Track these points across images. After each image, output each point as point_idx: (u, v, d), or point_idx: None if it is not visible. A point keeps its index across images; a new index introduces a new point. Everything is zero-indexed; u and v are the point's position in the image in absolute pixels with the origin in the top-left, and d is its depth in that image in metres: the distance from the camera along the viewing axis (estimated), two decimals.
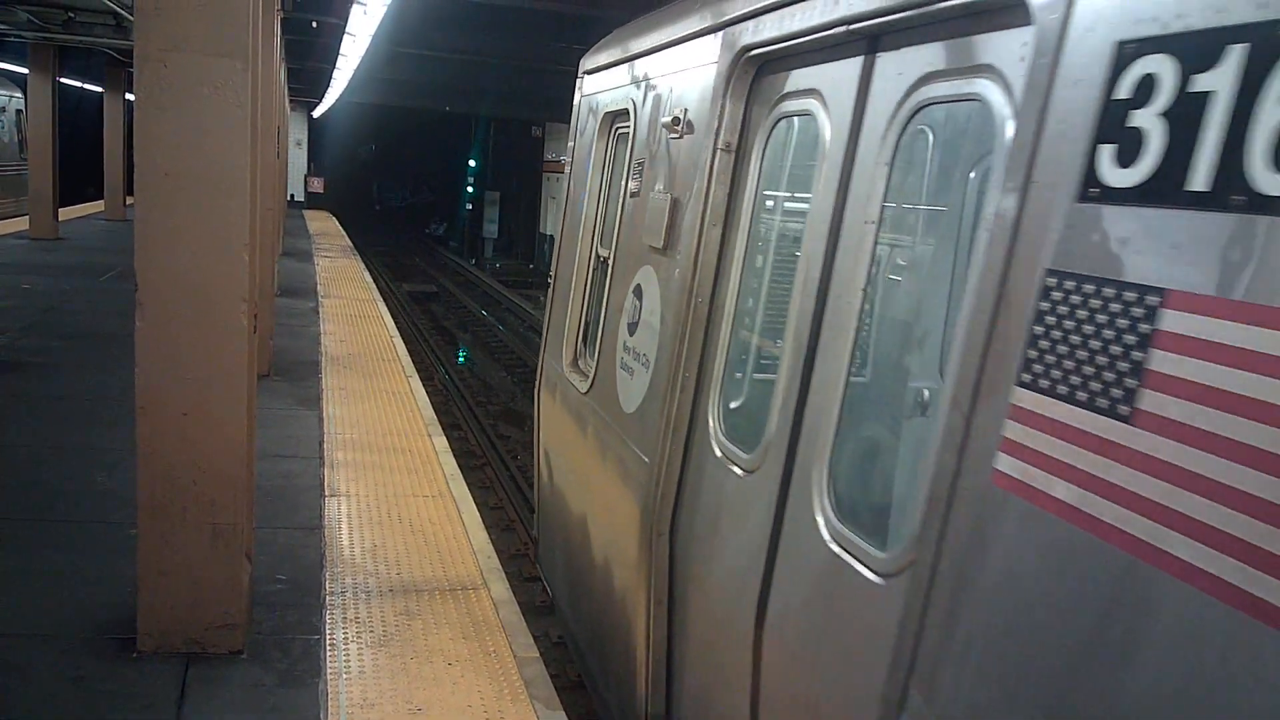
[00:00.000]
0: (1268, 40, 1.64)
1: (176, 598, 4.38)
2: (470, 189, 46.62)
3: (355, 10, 13.55)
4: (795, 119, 3.50)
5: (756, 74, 3.68)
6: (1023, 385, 2.04)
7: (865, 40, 2.96)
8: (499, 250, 41.07)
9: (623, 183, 4.90)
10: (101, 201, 25.06)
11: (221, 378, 4.27)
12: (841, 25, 2.94)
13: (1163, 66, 1.83)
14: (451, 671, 4.53)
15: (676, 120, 4.11)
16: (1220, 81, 1.71)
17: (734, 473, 3.45)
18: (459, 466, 7.60)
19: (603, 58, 5.61)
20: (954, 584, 2.20)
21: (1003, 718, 2.05)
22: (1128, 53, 1.90)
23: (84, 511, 5.97)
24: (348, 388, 9.68)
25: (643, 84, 4.80)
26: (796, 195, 3.59)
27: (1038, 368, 2.01)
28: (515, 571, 5.94)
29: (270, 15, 10.06)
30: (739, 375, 3.92)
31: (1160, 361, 1.77)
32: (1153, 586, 1.71)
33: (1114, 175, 1.90)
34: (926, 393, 3.22)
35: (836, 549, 2.77)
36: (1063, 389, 1.95)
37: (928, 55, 2.69)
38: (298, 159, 37.90)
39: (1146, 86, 1.86)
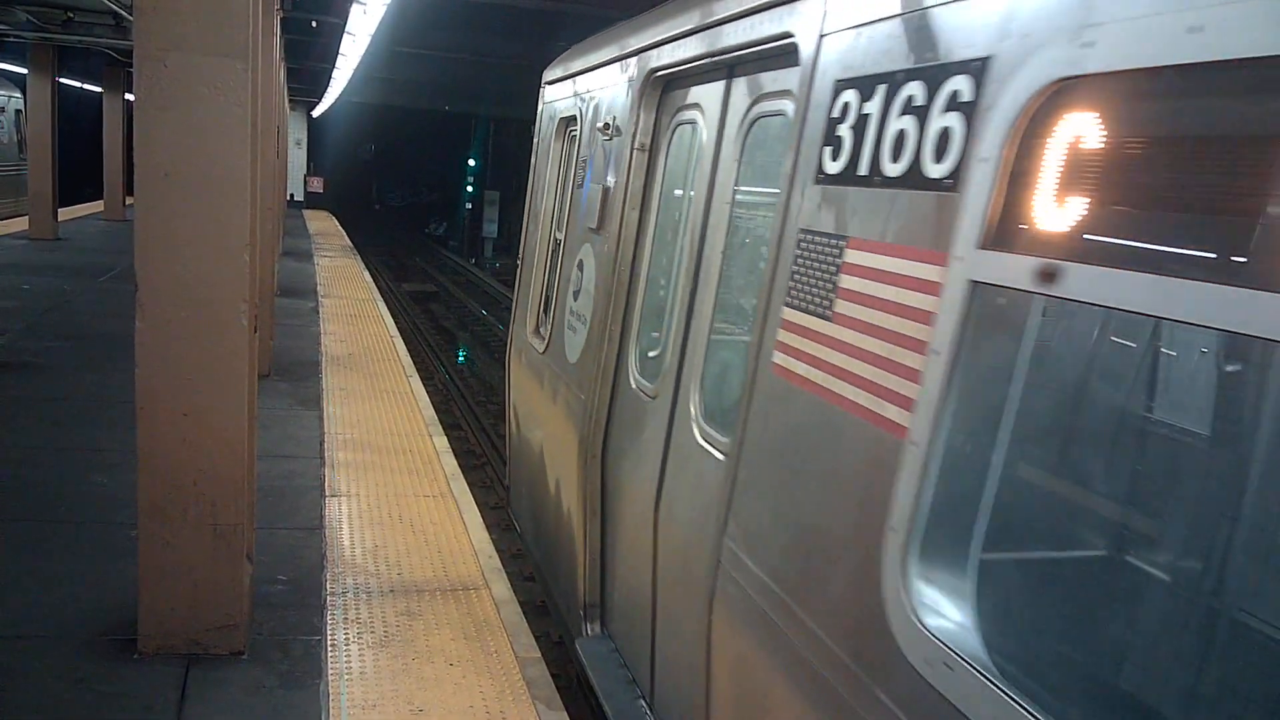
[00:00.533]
0: (894, 81, 2.61)
1: (177, 599, 4.37)
2: (470, 188, 46.63)
3: (355, 10, 13.54)
4: (687, 126, 4.40)
5: (663, 90, 4.62)
6: (786, 305, 3.01)
7: (726, 68, 3.95)
8: (499, 250, 41.05)
9: (571, 176, 5.85)
10: (101, 202, 25.06)
11: (222, 378, 4.26)
12: (709, 57, 3.93)
13: (852, 97, 2.80)
14: (453, 672, 4.52)
15: (607, 125, 5.08)
16: (874, 107, 2.68)
17: (643, 400, 4.40)
18: (459, 466, 7.60)
19: (559, 71, 6.60)
20: (751, 450, 3.18)
21: (771, 538, 3.03)
22: (838, 88, 2.88)
23: (84, 513, 5.96)
24: (348, 388, 9.68)
25: (585, 96, 5.75)
26: (688, 185, 4.42)
27: (794, 292, 2.98)
28: (516, 571, 5.93)
29: (270, 15, 10.05)
30: (650, 327, 4.63)
31: (845, 281, 2.72)
32: (842, 421, 2.68)
33: (830, 166, 2.88)
34: None
35: (702, 443, 3.75)
36: (803, 304, 2.92)
37: (760, 81, 3.68)
38: (297, 159, 37.88)
39: (844, 109, 2.83)
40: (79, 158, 24.51)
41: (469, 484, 7.24)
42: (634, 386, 4.54)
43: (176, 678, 4.24)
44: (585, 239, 5.30)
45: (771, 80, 3.54)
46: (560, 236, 5.92)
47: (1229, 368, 2.76)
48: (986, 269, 2.19)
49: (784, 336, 3.00)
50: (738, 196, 3.80)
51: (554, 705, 4.37)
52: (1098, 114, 1.99)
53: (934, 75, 2.45)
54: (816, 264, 2.86)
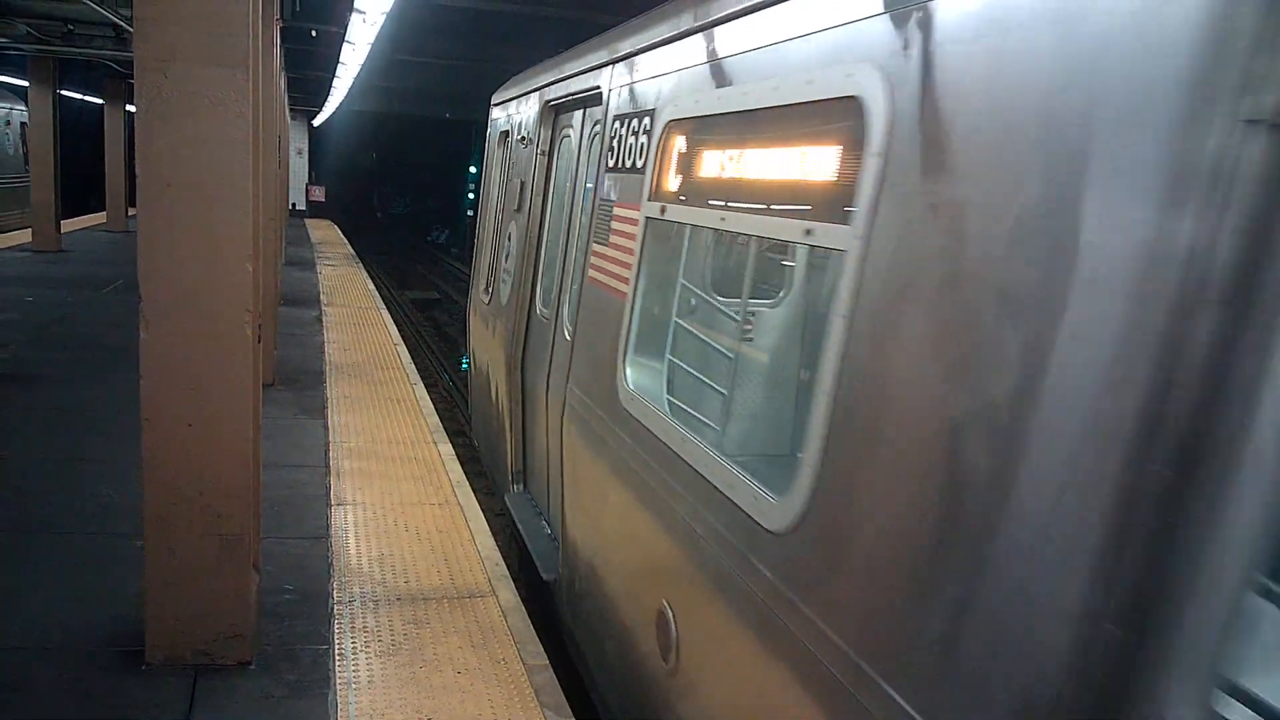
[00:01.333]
0: (629, 117, 4.82)
1: (184, 609, 4.36)
2: (471, 195, 46.65)
3: (355, 18, 13.55)
4: (565, 138, 6.58)
5: (555, 114, 6.82)
6: (594, 242, 5.11)
7: (580, 103, 6.12)
8: None
9: (507, 175, 8.12)
10: (104, 213, 25.10)
11: (226, 388, 4.26)
12: (570, 95, 6.17)
13: (619, 125, 4.96)
14: (461, 680, 4.51)
15: (524, 138, 7.47)
16: (625, 130, 4.83)
17: (542, 322, 6.38)
18: (465, 473, 7.59)
19: (499, 97, 9.20)
20: (580, 328, 5.22)
21: (585, 373, 5.07)
22: (617, 119, 5.04)
23: (90, 524, 5.96)
24: (352, 396, 9.68)
25: (513, 116, 8.08)
26: (566, 176, 6.52)
27: (597, 234, 5.06)
28: (523, 579, 5.93)
29: (270, 24, 10.06)
30: (546, 274, 6.67)
31: (614, 224, 4.79)
32: (609, 297, 4.70)
33: (610, 162, 5.04)
34: None
35: (565, 333, 5.57)
36: (600, 239, 5.00)
37: (592, 113, 5.85)
38: (299, 168, 37.91)
39: (619, 130, 4.96)
40: (86, 169, 24.48)
41: (474, 491, 7.23)
42: (539, 314, 6.60)
43: (184, 688, 4.23)
44: (511, 218, 7.60)
45: (596, 113, 5.68)
46: (499, 219, 8.21)
47: (735, 251, 4.69)
48: (649, 210, 4.38)
49: (592, 259, 5.13)
50: (586, 182, 5.73)
51: (562, 713, 4.36)
52: (683, 136, 4.29)
53: (639, 116, 4.66)
54: (605, 216, 5.00)
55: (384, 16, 13.30)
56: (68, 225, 21.61)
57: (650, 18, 4.93)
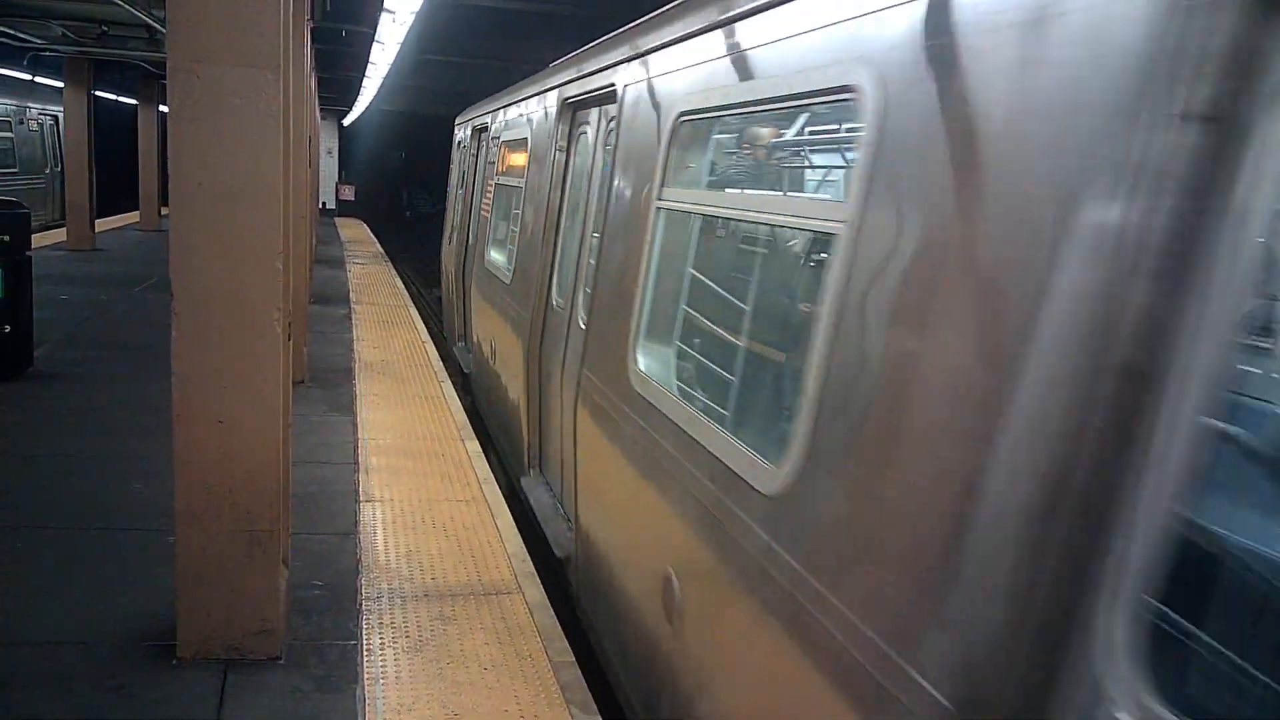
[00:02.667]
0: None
1: (215, 604, 4.41)
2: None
3: (384, 18, 13.63)
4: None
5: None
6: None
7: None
8: None
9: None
10: (137, 212, 25.38)
11: (257, 386, 4.30)
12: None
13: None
14: (487, 676, 4.53)
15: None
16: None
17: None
18: (492, 470, 7.62)
19: (462, 119, 12.72)
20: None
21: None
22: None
23: (122, 520, 6.04)
24: (381, 393, 9.74)
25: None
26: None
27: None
28: (549, 576, 5.94)
29: (301, 25, 10.14)
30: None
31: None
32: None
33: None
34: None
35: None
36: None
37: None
38: (329, 167, 38.19)
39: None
40: (132, 169, 24.72)
41: (501, 488, 7.25)
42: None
43: (215, 683, 4.28)
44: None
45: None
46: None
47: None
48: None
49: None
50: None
51: (589, 709, 4.37)
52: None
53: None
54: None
55: (413, 16, 13.36)
56: (101, 225, 21.87)
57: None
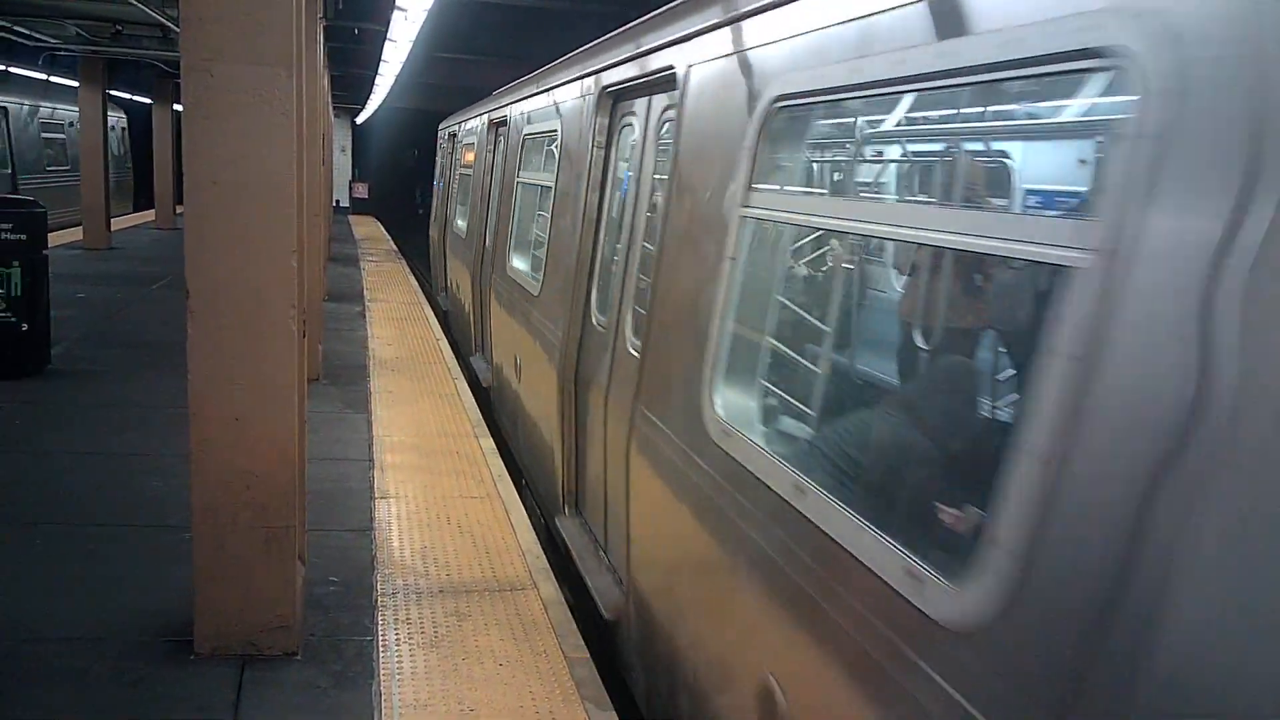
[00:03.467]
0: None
1: (231, 601, 4.43)
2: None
3: (396, 16, 13.63)
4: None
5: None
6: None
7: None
8: None
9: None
10: (152, 211, 25.50)
11: (272, 383, 4.31)
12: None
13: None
14: (502, 672, 4.54)
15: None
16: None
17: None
18: (506, 467, 7.63)
19: (443, 126, 17.07)
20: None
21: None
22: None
23: (139, 516, 6.07)
24: (395, 390, 9.76)
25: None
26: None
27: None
28: (563, 572, 5.95)
29: (313, 23, 10.16)
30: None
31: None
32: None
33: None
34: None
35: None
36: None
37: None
38: (342, 165, 38.28)
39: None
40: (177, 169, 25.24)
41: (516, 485, 7.26)
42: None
43: (232, 678, 4.30)
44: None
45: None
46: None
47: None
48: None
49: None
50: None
51: (603, 705, 4.37)
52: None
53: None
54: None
55: (425, 13, 13.36)
56: (117, 224, 21.99)
57: None
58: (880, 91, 2.89)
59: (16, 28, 16.62)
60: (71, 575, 5.24)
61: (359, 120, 40.92)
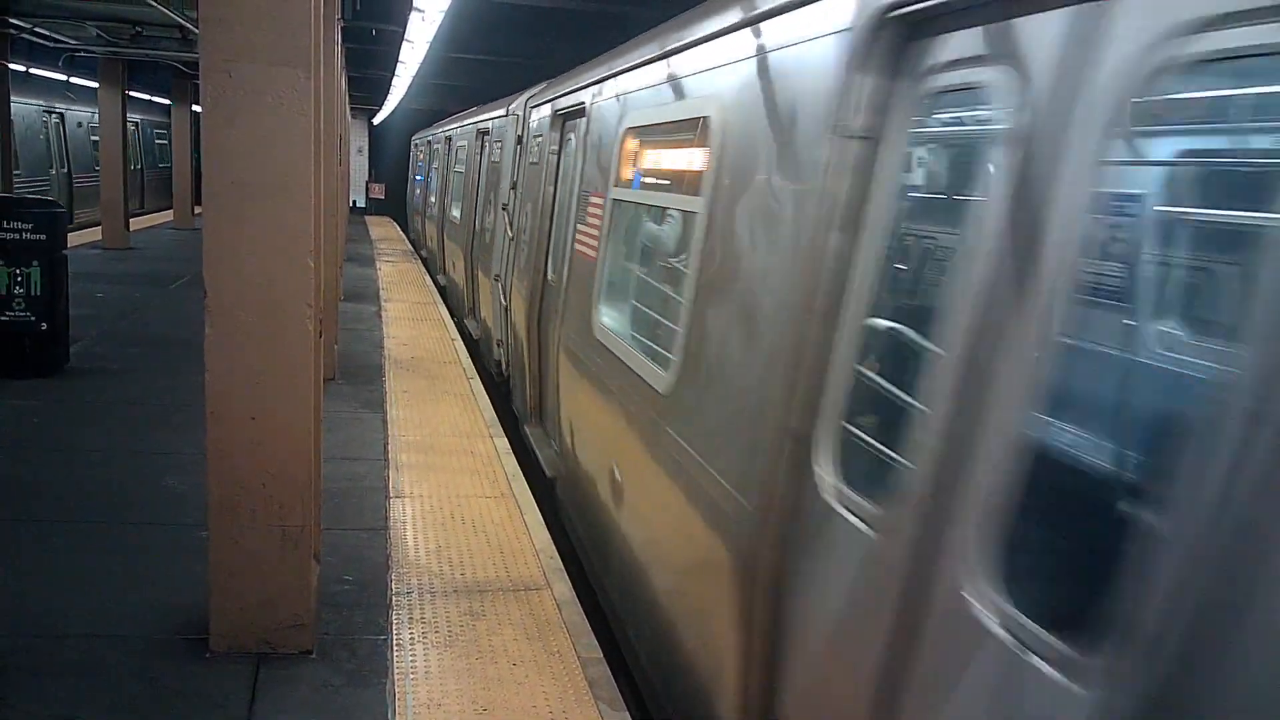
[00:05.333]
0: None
1: (247, 599, 4.46)
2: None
3: (414, 17, 13.68)
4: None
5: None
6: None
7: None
8: None
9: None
10: (170, 211, 25.66)
11: (288, 382, 4.33)
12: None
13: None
14: (516, 672, 4.55)
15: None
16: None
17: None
18: (520, 467, 7.64)
19: (420, 137, 26.20)
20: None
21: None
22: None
23: (157, 514, 6.11)
24: (411, 390, 9.79)
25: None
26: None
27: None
28: (577, 572, 5.96)
29: (331, 24, 10.21)
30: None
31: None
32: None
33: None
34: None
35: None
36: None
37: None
38: (360, 166, 38.41)
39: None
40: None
41: (530, 484, 7.28)
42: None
43: (247, 676, 4.33)
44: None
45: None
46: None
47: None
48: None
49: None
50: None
51: (617, 706, 4.37)
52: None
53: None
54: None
55: (442, 14, 13.41)
56: (136, 224, 22.13)
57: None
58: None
59: (37, 29, 16.74)
60: (90, 572, 5.28)
61: (376, 121, 41.04)
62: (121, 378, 9.54)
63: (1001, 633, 2.16)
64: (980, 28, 2.50)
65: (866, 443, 2.92)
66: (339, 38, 12.41)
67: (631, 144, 5.79)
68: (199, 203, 20.88)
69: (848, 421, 2.98)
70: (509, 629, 4.95)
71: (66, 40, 18.22)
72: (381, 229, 31.14)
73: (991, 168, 2.40)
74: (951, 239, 3.05)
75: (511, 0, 16.16)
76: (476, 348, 12.42)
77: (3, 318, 8.95)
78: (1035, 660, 2.06)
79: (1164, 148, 3.47)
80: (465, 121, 16.58)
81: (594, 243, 6.19)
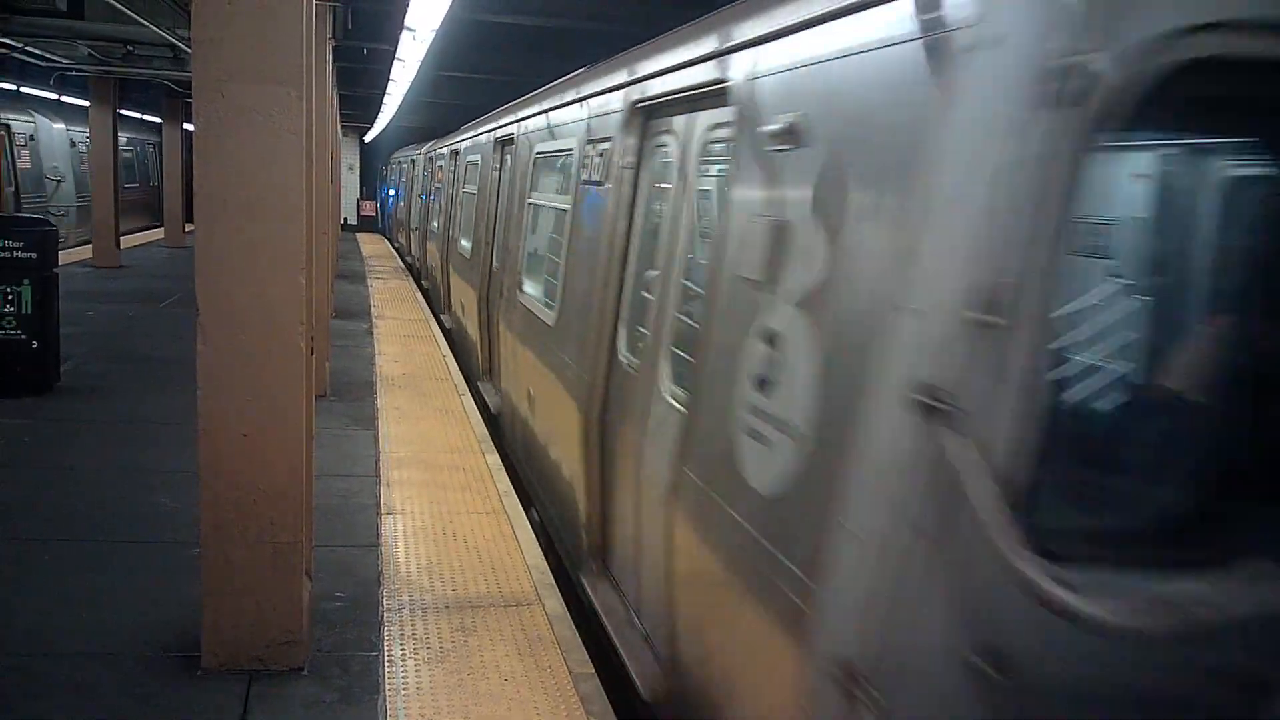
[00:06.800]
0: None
1: (239, 616, 4.45)
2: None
3: (405, 36, 13.75)
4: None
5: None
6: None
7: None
8: None
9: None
10: (162, 229, 25.64)
11: (280, 400, 4.35)
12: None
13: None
14: (508, 688, 4.56)
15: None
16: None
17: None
18: (512, 483, 7.65)
19: (401, 153, 31.28)
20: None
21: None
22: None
23: (148, 531, 6.10)
24: (402, 407, 9.80)
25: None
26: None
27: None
28: (568, 588, 5.96)
29: (323, 44, 10.25)
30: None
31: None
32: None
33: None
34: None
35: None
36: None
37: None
38: (350, 183, 38.45)
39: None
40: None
41: (521, 500, 7.29)
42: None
43: (239, 693, 4.32)
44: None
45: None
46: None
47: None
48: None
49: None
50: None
51: None
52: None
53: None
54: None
55: (433, 33, 13.48)
56: (127, 242, 22.11)
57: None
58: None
59: (29, 48, 16.76)
60: (82, 590, 5.27)
61: (367, 139, 41.14)
62: (112, 396, 9.54)
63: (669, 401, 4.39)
64: (664, 117, 5.12)
65: (639, 333, 5.09)
66: (330, 57, 12.45)
67: (539, 163, 8.41)
68: (190, 220, 20.89)
69: (629, 325, 5.37)
70: (501, 645, 4.96)
71: (58, 59, 18.25)
72: (372, 246, 31.16)
73: (668, 184, 5.01)
74: (665, 219, 4.98)
75: (499, 20, 16.23)
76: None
77: None
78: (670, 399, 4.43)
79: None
80: (440, 146, 19.55)
81: (520, 234, 8.59)
